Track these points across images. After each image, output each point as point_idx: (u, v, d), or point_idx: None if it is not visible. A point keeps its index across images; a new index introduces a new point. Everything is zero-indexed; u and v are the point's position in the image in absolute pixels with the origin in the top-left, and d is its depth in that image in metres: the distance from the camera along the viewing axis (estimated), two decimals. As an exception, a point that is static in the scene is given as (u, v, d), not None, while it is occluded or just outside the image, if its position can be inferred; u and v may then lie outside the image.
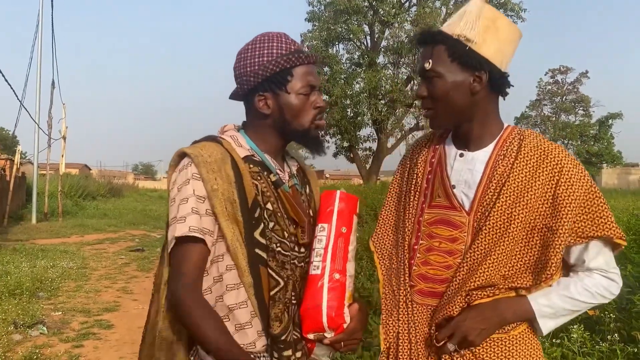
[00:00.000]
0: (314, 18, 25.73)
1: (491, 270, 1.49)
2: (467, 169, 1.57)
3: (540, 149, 1.52)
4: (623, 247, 1.54)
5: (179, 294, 1.37)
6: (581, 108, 46.49)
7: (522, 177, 1.50)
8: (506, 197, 1.49)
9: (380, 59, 25.56)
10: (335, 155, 27.56)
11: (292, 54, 1.50)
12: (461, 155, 1.59)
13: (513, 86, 1.58)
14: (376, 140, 26.32)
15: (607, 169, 48.36)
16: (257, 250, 1.46)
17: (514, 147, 1.54)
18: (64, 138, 20.70)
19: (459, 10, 1.57)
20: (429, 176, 1.62)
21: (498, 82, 1.53)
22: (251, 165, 1.50)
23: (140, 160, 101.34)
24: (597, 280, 1.52)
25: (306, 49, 1.62)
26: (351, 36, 25.37)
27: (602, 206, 1.50)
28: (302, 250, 1.56)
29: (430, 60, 1.51)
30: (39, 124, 18.84)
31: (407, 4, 25.88)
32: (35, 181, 18.55)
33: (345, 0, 23.79)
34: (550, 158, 1.51)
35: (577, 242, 1.50)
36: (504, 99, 1.61)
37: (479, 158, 1.56)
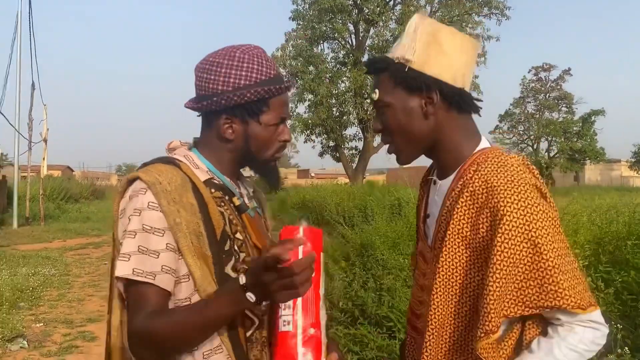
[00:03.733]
0: (299, 17, 25.62)
1: (456, 325, 1.33)
2: (435, 198, 1.44)
3: (489, 184, 1.27)
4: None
5: (146, 324, 1.20)
6: (564, 105, 47.02)
7: (461, 216, 1.30)
8: (449, 237, 1.31)
9: (365, 58, 25.47)
10: (321, 154, 27.49)
11: (272, 83, 1.36)
12: (434, 182, 1.45)
13: (481, 100, 1.42)
14: (362, 140, 26.28)
15: (590, 166, 48.96)
16: None
17: (467, 178, 1.33)
18: (45, 140, 20.33)
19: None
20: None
21: (455, 100, 1.35)
22: (213, 190, 1.37)
23: (123, 161, 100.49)
24: (581, 335, 1.25)
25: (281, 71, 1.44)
26: (336, 35, 25.31)
27: (550, 268, 1.21)
28: None
29: (377, 90, 1.38)
30: (20, 125, 18.48)
31: (391, 2, 25.81)
32: (16, 184, 18.21)
33: (330, -1, 23.65)
34: (495, 201, 1.24)
35: (525, 312, 1.25)
36: (480, 115, 1.43)
37: (442, 188, 1.41)
